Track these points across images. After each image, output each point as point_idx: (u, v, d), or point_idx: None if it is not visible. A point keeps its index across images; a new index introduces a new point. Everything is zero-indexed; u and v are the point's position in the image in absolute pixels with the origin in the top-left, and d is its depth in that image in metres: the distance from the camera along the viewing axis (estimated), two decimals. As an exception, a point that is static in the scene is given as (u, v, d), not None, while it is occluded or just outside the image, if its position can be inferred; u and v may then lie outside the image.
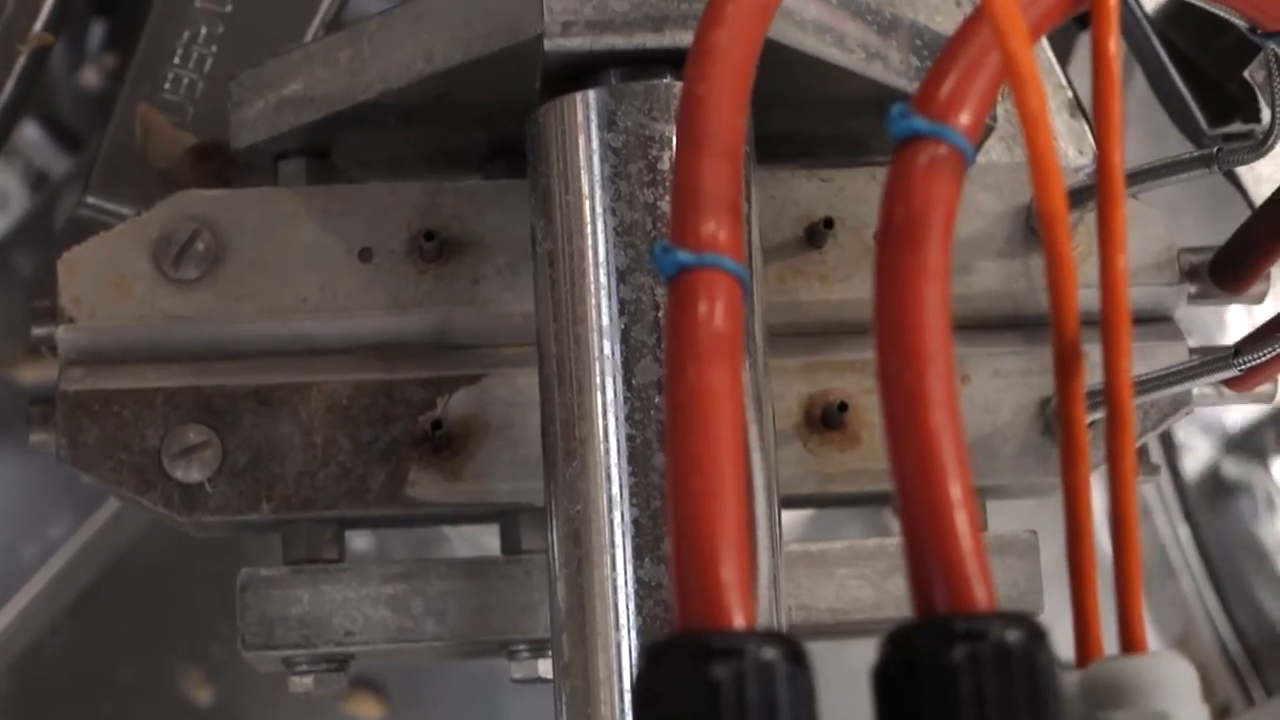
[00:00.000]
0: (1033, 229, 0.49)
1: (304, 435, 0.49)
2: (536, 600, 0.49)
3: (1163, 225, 0.51)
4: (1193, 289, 0.52)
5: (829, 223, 0.50)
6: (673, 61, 0.43)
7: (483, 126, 0.51)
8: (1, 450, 0.95)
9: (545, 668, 0.50)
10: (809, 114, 0.48)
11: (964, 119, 0.34)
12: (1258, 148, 0.50)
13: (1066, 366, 0.37)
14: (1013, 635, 0.30)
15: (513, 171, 0.49)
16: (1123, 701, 0.33)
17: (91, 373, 0.49)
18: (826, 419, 0.50)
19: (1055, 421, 0.46)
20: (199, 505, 0.48)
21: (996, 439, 0.49)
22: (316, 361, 0.50)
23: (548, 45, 0.43)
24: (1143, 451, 0.52)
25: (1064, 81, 0.56)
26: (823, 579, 0.51)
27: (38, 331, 0.49)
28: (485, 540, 0.59)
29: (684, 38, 0.42)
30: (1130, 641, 0.34)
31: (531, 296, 0.46)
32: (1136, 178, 0.51)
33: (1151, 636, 0.35)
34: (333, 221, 0.49)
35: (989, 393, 0.50)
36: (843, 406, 0.49)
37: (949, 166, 0.34)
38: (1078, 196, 0.47)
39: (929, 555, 0.32)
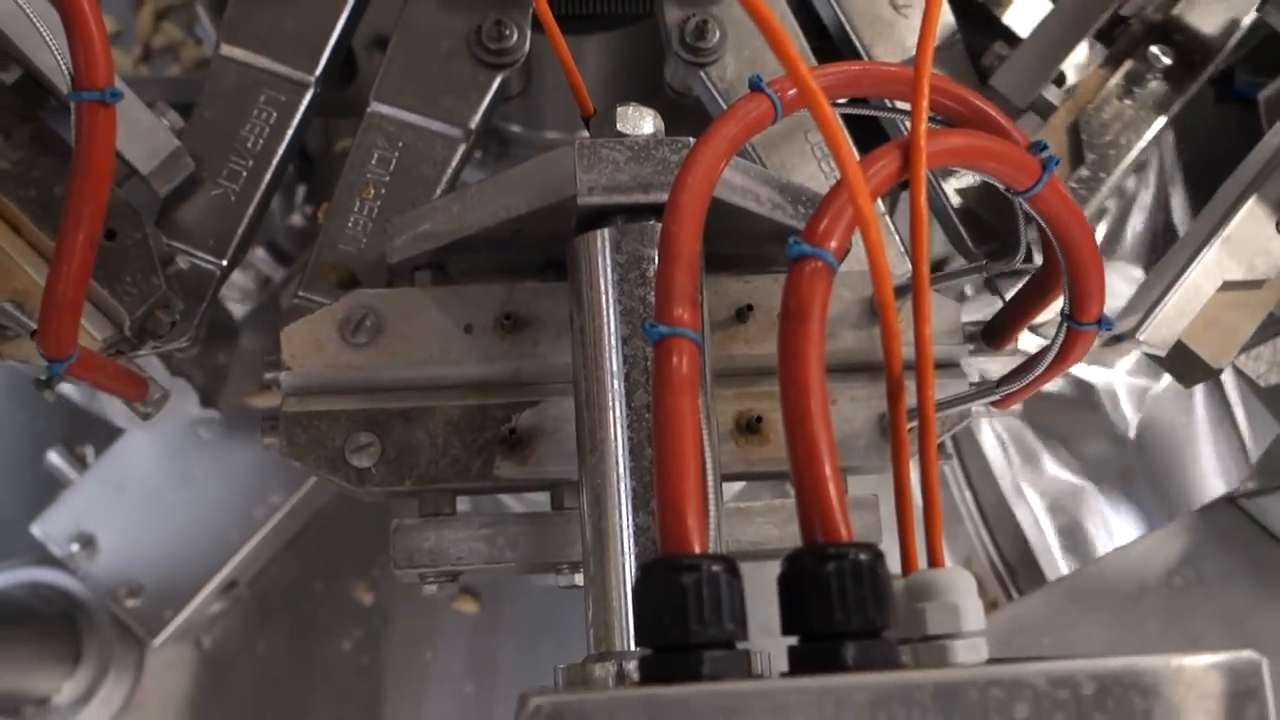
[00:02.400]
0: (873, 311, 0.49)
1: (431, 439, 0.48)
2: (573, 538, 0.48)
3: (952, 309, 0.50)
4: (971, 347, 0.52)
5: (749, 307, 0.49)
6: (654, 209, 0.43)
7: (540, 250, 0.50)
8: (241, 447, 0.96)
9: (578, 579, 0.48)
10: (738, 242, 0.48)
11: (833, 245, 0.35)
12: (1012, 263, 0.50)
13: (894, 394, 0.37)
14: (863, 556, 0.31)
15: (558, 278, 0.48)
16: (930, 597, 0.33)
17: (302, 401, 0.48)
18: (749, 427, 0.49)
19: (887, 428, 0.46)
20: (367, 481, 0.48)
21: (852, 438, 0.49)
22: (439, 394, 0.49)
23: (579, 201, 0.43)
24: (941, 446, 0.52)
25: (890, 225, 0.56)
26: (747, 525, 0.50)
27: (268, 375, 0.49)
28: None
29: (660, 196, 0.42)
30: (934, 560, 0.34)
31: (568, 353, 0.45)
32: (937, 279, 0.51)
33: (947, 558, 0.35)
34: (448, 308, 0.49)
35: (848, 410, 0.49)
36: (759, 420, 0.48)
37: (823, 274, 0.34)
38: (900, 291, 0.47)
39: (812, 507, 0.32)
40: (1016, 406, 0.51)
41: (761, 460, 0.49)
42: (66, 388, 0.75)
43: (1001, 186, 0.41)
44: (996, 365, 0.53)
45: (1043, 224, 0.42)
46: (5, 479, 1.00)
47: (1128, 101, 0.54)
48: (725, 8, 0.56)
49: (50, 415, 0.99)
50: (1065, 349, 0.44)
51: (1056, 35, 0.50)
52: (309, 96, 0.55)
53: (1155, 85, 0.54)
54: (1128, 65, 0.54)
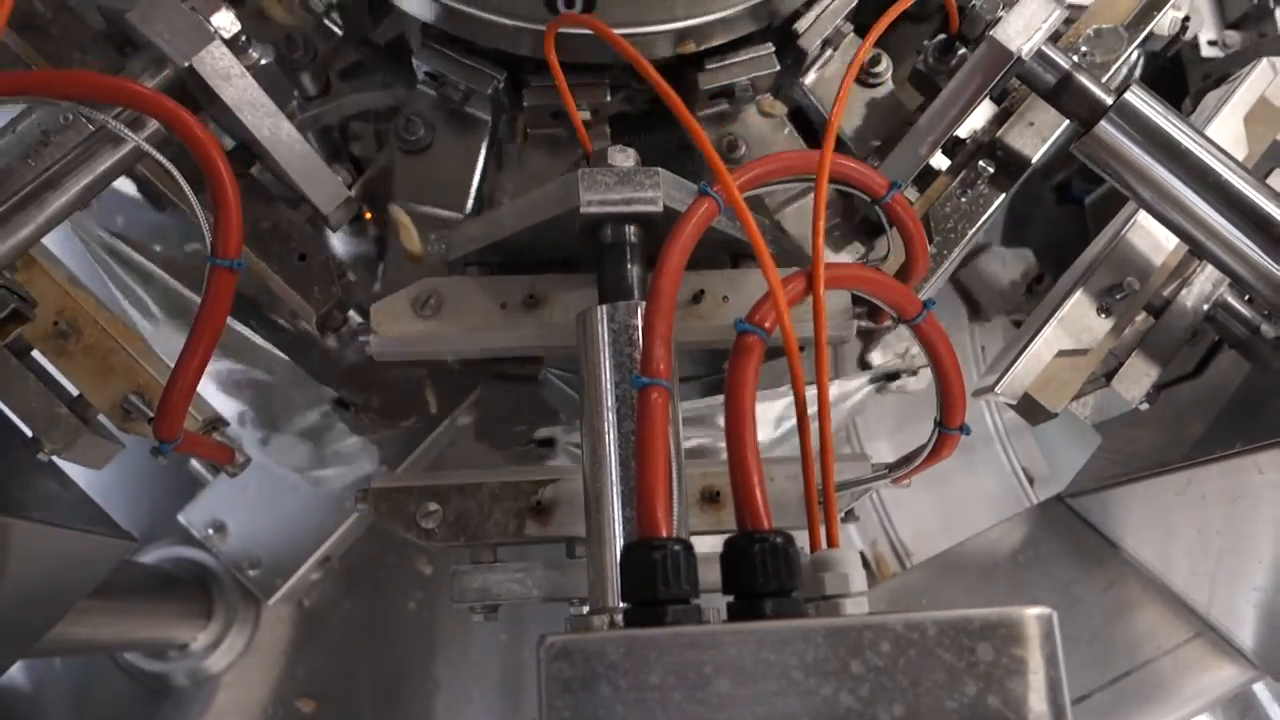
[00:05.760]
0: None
1: (479, 507, 0.49)
2: (582, 580, 0.47)
3: (844, 296, 0.50)
4: (857, 324, 0.52)
5: (701, 292, 0.50)
6: (633, 217, 0.45)
7: (553, 250, 0.50)
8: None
9: (585, 609, 0.47)
10: (706, 252, 0.47)
11: (767, 325, 0.36)
12: (882, 262, 0.51)
13: (800, 418, 0.37)
14: (780, 539, 0.32)
15: (564, 270, 0.49)
16: (828, 569, 0.34)
17: (386, 478, 0.49)
18: (710, 498, 0.49)
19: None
20: (432, 539, 0.48)
21: (785, 506, 0.48)
22: (486, 474, 0.49)
23: (581, 209, 0.44)
24: (850, 512, 0.52)
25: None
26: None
27: (362, 339, 0.49)
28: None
29: (637, 207, 0.44)
30: (831, 542, 0.35)
31: (573, 323, 0.45)
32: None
33: (842, 541, 0.35)
34: (489, 291, 0.49)
35: (782, 485, 0.49)
36: (716, 494, 0.49)
37: (758, 344, 0.36)
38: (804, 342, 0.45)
39: (744, 505, 0.33)
40: (907, 481, 0.50)
41: (718, 523, 0.50)
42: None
43: (890, 313, 0.42)
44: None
45: (923, 348, 0.42)
46: (159, 480, 1.00)
47: (963, 199, 0.56)
48: (740, 126, 0.58)
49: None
50: (937, 448, 0.45)
51: (922, 139, 0.51)
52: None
53: (983, 187, 0.56)
54: (964, 173, 0.56)
